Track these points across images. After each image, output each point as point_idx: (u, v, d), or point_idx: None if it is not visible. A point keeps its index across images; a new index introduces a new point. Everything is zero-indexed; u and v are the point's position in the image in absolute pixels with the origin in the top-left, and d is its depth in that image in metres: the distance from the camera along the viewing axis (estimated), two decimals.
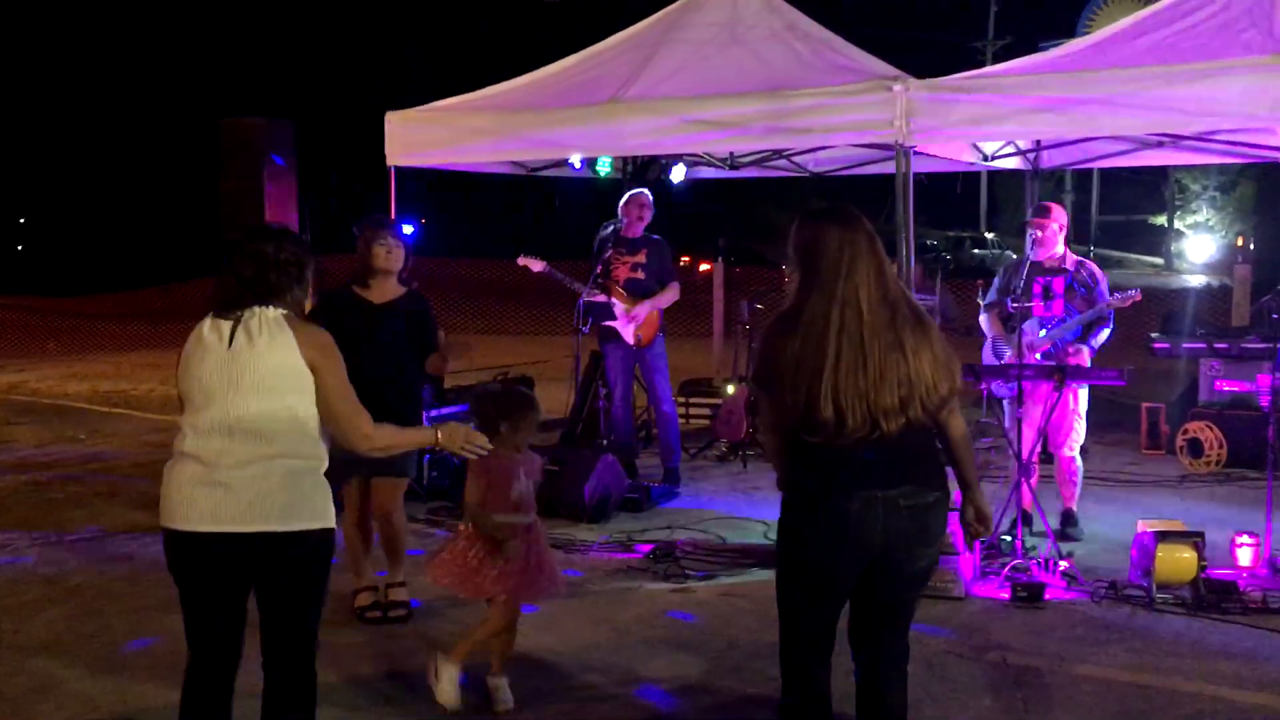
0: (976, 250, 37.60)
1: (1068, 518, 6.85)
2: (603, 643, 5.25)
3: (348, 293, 5.60)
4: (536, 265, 8.17)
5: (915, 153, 6.50)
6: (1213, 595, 5.54)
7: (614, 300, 8.03)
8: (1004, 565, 5.97)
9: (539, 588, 4.54)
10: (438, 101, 8.02)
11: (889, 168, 7.16)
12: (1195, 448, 8.71)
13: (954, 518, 3.69)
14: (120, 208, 41.29)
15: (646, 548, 6.61)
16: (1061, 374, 6.22)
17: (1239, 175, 34.25)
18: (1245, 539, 5.99)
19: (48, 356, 18.47)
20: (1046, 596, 5.66)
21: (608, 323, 8.10)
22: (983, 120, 6.34)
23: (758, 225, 32.31)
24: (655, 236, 8.21)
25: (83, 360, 17.89)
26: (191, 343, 3.52)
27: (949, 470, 3.62)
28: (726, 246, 14.80)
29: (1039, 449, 6.70)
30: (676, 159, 8.93)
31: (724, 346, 12.26)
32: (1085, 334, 6.66)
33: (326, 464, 3.56)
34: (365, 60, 41.54)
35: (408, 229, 7.52)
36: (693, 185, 10.10)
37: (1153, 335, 9.67)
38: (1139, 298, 6.71)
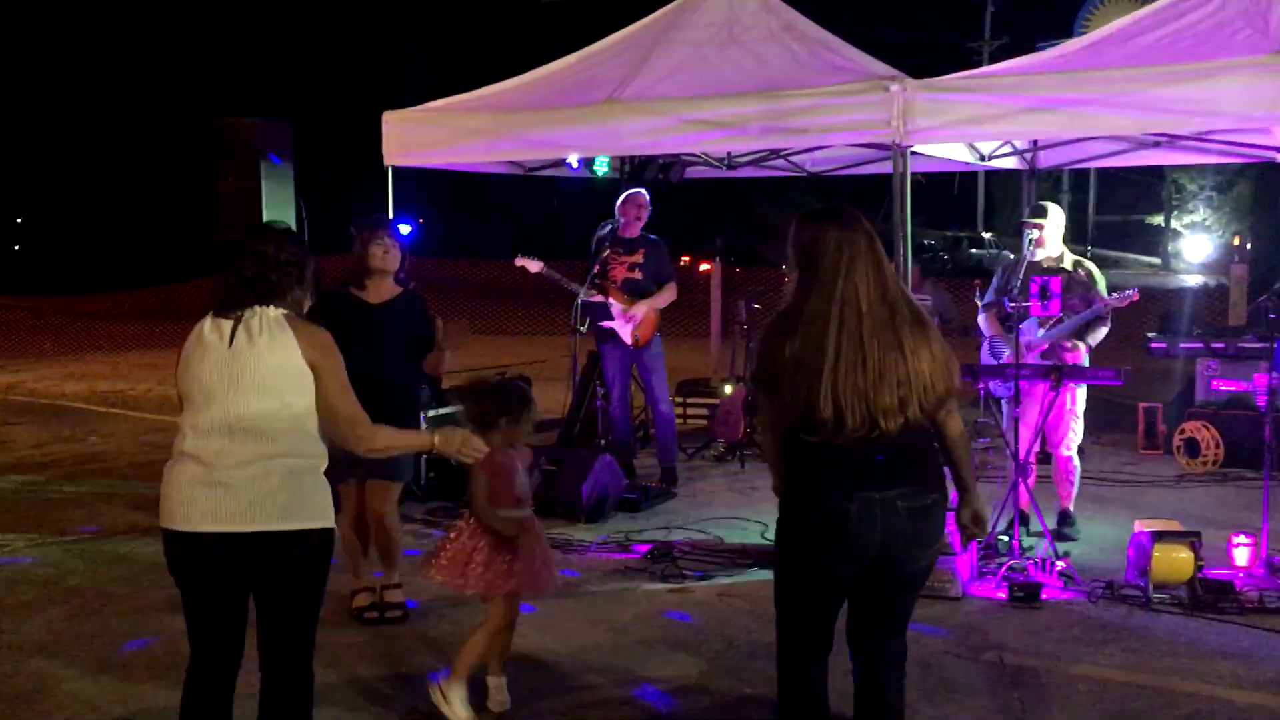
0: (974, 250, 37.65)
1: (1064, 517, 6.86)
2: (600, 643, 5.25)
3: (344, 294, 5.59)
4: (534, 266, 8.17)
5: (912, 153, 6.50)
6: (1209, 595, 5.55)
7: (611, 300, 8.03)
8: (1001, 565, 5.98)
9: (542, 582, 4.54)
10: (435, 101, 8.02)
11: (886, 168, 7.18)
12: (1192, 447, 8.72)
13: (950, 518, 3.70)
14: (117, 208, 41.24)
15: (644, 548, 6.62)
16: (1058, 374, 6.23)
17: (1236, 175, 34.24)
18: (1242, 539, 5.99)
19: (45, 356, 18.46)
20: (1043, 596, 5.67)
21: (605, 323, 8.10)
22: (980, 120, 6.34)
23: (756, 225, 32.33)
24: (653, 236, 8.22)
25: (80, 360, 17.88)
26: (191, 342, 3.52)
27: (946, 471, 3.63)
28: (724, 246, 14.80)
29: (1037, 449, 6.71)
30: (674, 158, 8.94)
31: (722, 346, 12.26)
32: (1083, 333, 6.67)
33: (326, 463, 3.56)
34: (363, 60, 41.51)
35: (405, 229, 7.52)
36: (691, 185, 10.09)
37: (1150, 335, 9.69)
38: (1136, 297, 6.71)
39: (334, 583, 3.67)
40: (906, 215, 6.42)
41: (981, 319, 7.07)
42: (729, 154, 9.34)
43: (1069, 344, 6.64)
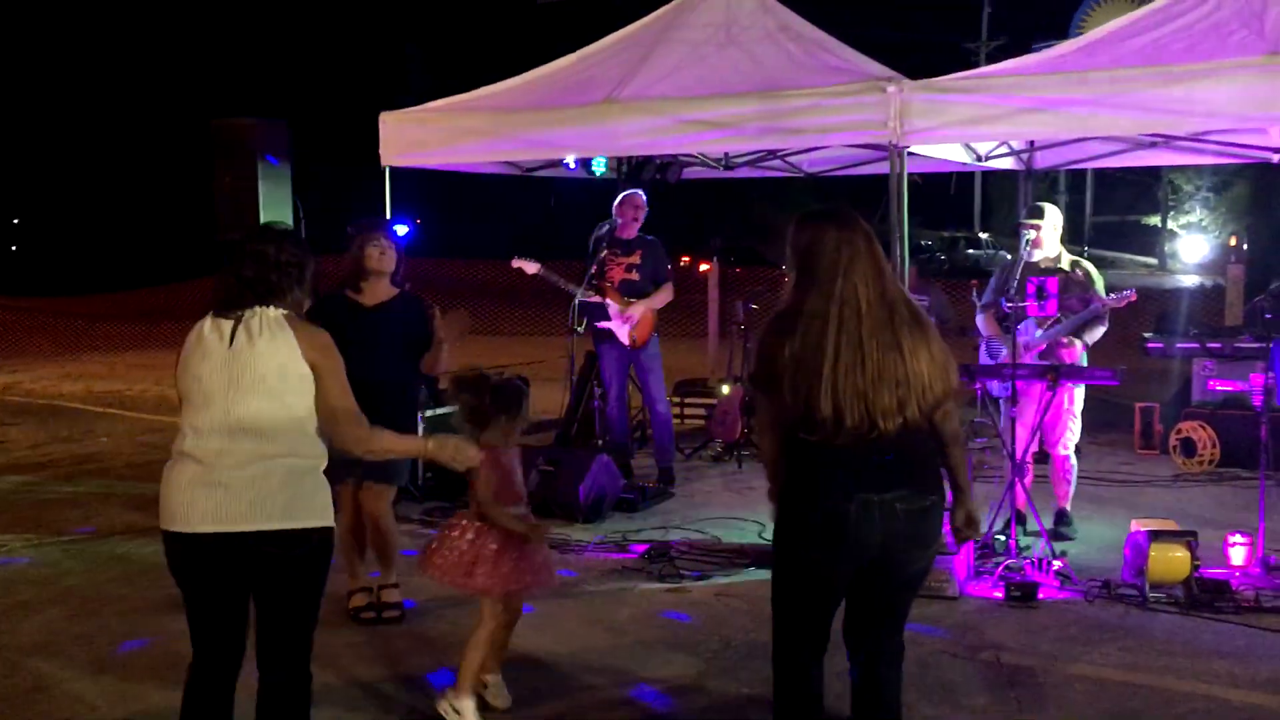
0: (971, 250, 37.70)
1: (1061, 517, 6.87)
2: (597, 643, 5.26)
3: (339, 296, 5.58)
4: (531, 267, 8.17)
5: (909, 153, 6.51)
6: (1206, 594, 5.56)
7: (609, 301, 8.03)
8: (998, 565, 5.99)
9: (542, 579, 4.53)
10: (432, 102, 8.02)
11: (883, 168, 7.18)
12: (1188, 447, 8.73)
13: (946, 518, 3.71)
14: (114, 208, 41.21)
15: (641, 548, 6.62)
16: (1055, 373, 6.24)
17: (1232, 176, 34.31)
18: (1238, 538, 6.00)
19: (42, 357, 18.44)
20: (1040, 596, 5.68)
21: (602, 323, 8.11)
22: (977, 121, 6.35)
23: (754, 225, 32.33)
24: (650, 237, 8.22)
25: (77, 360, 17.87)
26: (191, 342, 3.53)
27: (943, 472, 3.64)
28: (722, 246, 14.80)
29: (1034, 448, 6.72)
30: (672, 159, 8.94)
31: (719, 347, 12.28)
32: (1080, 332, 6.68)
33: (326, 463, 3.56)
34: (362, 60, 41.49)
35: (402, 230, 7.51)
36: (690, 185, 10.09)
37: (1146, 335, 9.70)
38: (1133, 297, 6.72)
39: (331, 583, 3.67)
40: (903, 216, 6.42)
41: (979, 319, 7.08)
42: (726, 154, 9.34)
43: (1065, 340, 6.65)
